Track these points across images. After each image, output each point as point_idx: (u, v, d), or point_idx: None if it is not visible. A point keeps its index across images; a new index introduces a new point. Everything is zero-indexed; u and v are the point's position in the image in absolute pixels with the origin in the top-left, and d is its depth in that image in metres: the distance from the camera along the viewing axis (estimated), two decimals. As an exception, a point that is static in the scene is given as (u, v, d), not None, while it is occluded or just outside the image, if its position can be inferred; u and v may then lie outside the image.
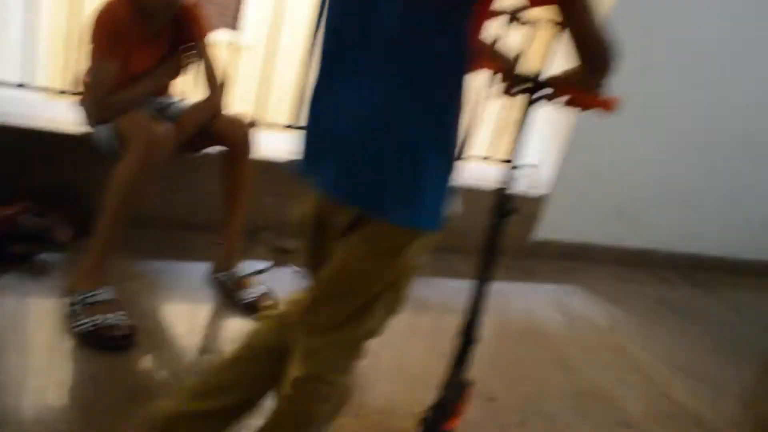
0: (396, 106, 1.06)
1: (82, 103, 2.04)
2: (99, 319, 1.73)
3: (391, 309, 1.21)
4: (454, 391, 1.56)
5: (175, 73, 2.12)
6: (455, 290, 2.64)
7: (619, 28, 2.87)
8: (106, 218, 1.82)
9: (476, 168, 3.29)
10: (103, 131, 1.97)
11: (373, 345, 1.21)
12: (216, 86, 2.11)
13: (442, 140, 1.09)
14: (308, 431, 1.23)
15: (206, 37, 2.10)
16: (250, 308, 2.08)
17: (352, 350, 1.23)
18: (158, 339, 1.86)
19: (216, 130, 2.09)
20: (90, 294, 1.79)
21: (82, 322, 1.73)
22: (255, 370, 1.27)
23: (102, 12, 1.92)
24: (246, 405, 1.28)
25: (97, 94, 1.95)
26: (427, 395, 1.57)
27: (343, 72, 1.11)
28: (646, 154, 3.37)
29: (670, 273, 3.66)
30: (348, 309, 1.17)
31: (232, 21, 7.53)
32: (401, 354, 2.10)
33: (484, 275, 1.56)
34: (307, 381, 1.18)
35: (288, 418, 1.21)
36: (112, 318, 1.75)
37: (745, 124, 3.59)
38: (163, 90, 2.17)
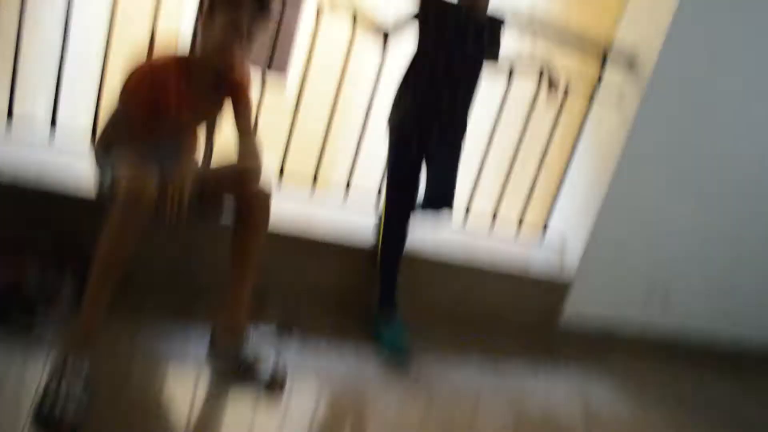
0: None
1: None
2: (51, 392, 1.61)
3: None
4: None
5: (189, 161, 2.03)
6: (470, 376, 2.50)
7: (667, 88, 2.79)
8: (92, 276, 1.73)
9: (500, 245, 3.15)
10: (105, 176, 1.92)
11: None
12: (255, 153, 2.04)
13: None
14: None
15: (249, 112, 2.09)
16: (265, 385, 1.99)
17: None
18: (150, 414, 1.74)
19: (238, 199, 2.00)
20: (68, 359, 1.69)
21: (46, 391, 1.62)
22: None
23: (141, 70, 1.89)
24: None
25: (107, 129, 1.96)
26: None
27: None
28: (684, 228, 3.18)
29: (707, 362, 3.40)
30: None
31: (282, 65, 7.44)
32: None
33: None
34: None
35: None
36: (63, 395, 1.61)
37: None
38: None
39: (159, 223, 1.81)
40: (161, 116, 1.92)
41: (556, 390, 2.65)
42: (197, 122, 2.10)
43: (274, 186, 2.09)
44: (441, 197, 2.50)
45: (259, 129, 2.22)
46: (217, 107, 2.10)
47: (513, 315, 2.97)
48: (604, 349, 3.16)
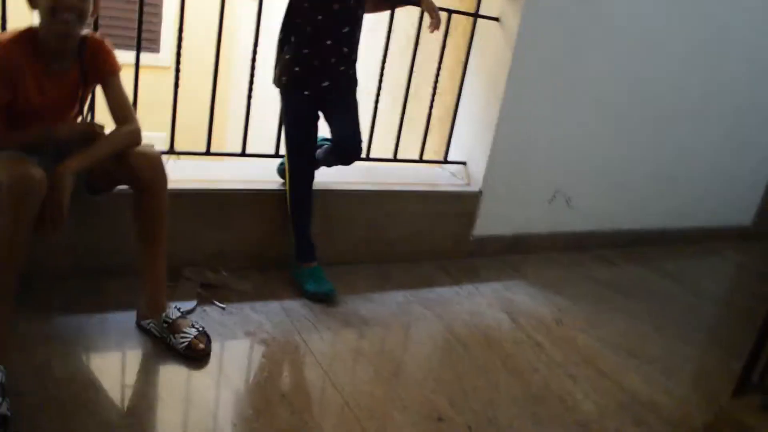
0: None
1: None
2: None
3: None
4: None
5: (70, 134, 1.93)
6: (396, 304, 2.58)
7: (544, 6, 2.89)
8: None
9: (407, 169, 3.22)
10: None
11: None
12: (131, 119, 1.98)
13: None
14: None
15: (116, 73, 1.99)
16: (185, 353, 1.95)
17: None
18: (80, 407, 1.69)
19: (127, 165, 1.92)
20: None
21: None
22: None
23: None
24: None
25: None
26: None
27: None
28: (578, 137, 3.36)
29: (611, 252, 3.67)
30: None
31: (149, 43, 7.13)
32: (348, 382, 1.99)
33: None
34: None
35: None
36: None
37: (671, 98, 3.62)
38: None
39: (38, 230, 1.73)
40: (20, 92, 1.82)
41: (479, 300, 2.75)
42: (64, 101, 1.98)
43: (162, 154, 2.03)
44: (350, 152, 2.47)
45: (143, 107, 2.15)
46: (82, 85, 1.99)
47: (428, 234, 3.05)
48: (517, 255, 3.32)
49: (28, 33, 1.84)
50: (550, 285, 3.05)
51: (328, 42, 2.41)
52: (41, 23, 1.83)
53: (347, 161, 2.51)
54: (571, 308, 2.83)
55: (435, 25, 2.56)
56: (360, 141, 2.47)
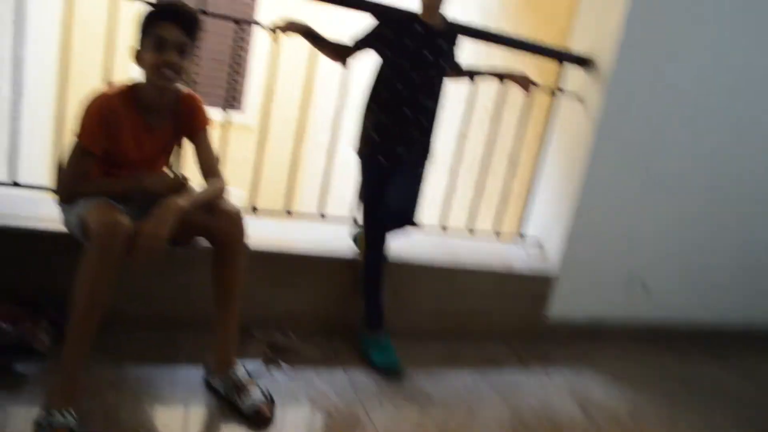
0: None
1: (56, 186, 2.00)
2: None
3: None
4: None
5: (160, 186, 1.98)
6: (463, 383, 2.50)
7: (627, 87, 2.85)
8: (71, 322, 1.69)
9: (481, 245, 3.18)
10: (72, 219, 1.89)
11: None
12: (218, 173, 2.07)
13: None
14: None
15: (207, 128, 2.10)
16: (251, 415, 1.93)
17: None
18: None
19: (209, 221, 1.98)
20: (51, 415, 1.64)
21: None
22: None
23: (93, 101, 1.89)
24: None
25: (66, 179, 1.92)
26: None
27: None
28: (658, 221, 3.25)
29: (691, 347, 3.47)
30: None
31: (233, 101, 7.45)
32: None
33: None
34: None
35: None
36: None
37: (759, 185, 3.47)
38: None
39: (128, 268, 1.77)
40: (118, 145, 1.92)
41: (549, 387, 2.64)
42: (157, 154, 2.08)
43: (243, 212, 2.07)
44: (403, 218, 2.48)
45: (226, 166, 2.22)
46: (174, 139, 2.10)
47: (499, 313, 2.98)
48: (590, 342, 3.19)
49: (130, 88, 1.95)
50: (624, 378, 2.90)
51: (407, 111, 2.45)
52: (144, 78, 1.93)
53: (395, 228, 2.50)
54: (646, 405, 2.67)
55: (525, 88, 2.71)
56: (413, 213, 2.50)
